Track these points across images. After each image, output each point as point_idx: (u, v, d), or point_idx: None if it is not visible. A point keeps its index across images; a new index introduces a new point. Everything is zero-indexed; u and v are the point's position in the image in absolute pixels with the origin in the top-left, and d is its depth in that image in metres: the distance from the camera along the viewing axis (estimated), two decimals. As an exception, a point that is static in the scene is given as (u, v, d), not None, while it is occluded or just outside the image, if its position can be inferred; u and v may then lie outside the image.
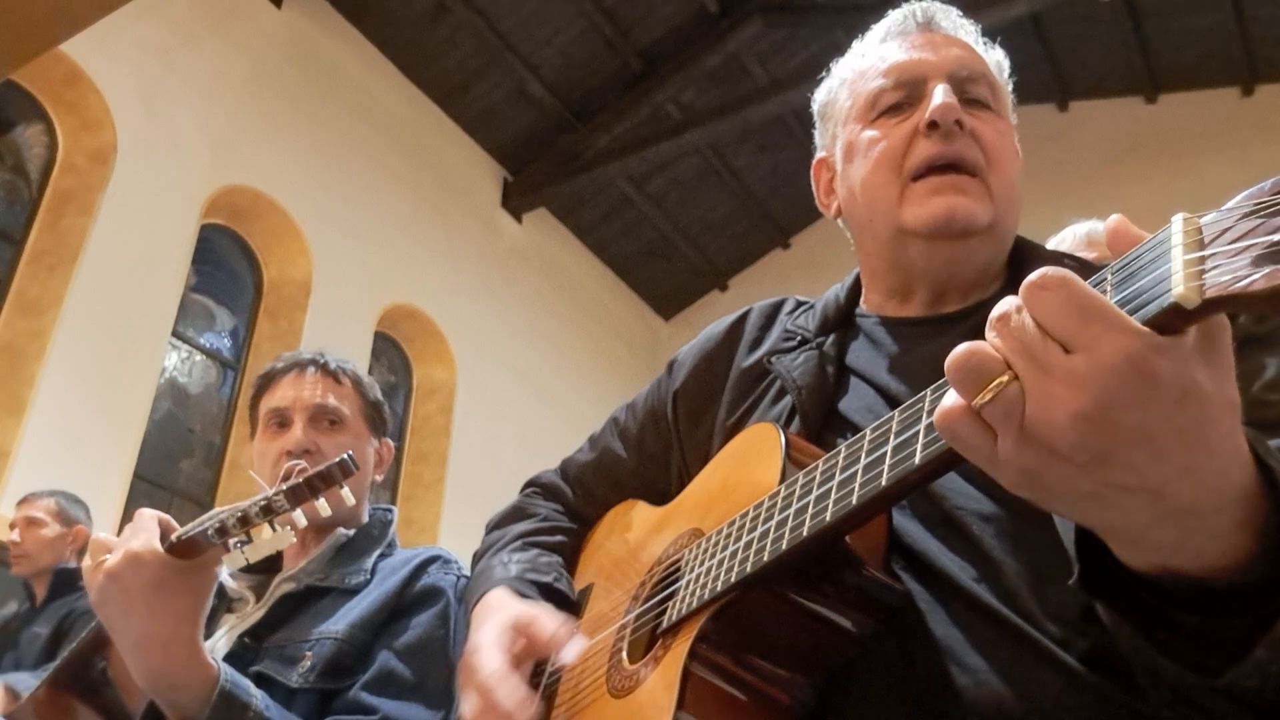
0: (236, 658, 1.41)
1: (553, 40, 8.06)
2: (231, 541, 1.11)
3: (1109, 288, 0.53)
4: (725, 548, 0.81)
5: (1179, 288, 0.47)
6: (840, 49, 1.13)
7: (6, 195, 5.90)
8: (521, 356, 8.68)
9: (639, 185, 9.27)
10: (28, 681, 2.31)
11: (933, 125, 0.95)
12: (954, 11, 1.07)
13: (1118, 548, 0.58)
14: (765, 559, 0.74)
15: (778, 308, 1.12)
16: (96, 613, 1.22)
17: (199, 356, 6.76)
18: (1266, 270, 0.44)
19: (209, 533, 1.12)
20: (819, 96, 1.13)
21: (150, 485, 6.07)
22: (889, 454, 0.66)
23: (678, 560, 0.90)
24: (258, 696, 1.22)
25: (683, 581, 0.85)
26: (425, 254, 8.04)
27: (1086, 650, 0.72)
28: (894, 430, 0.67)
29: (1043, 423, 0.51)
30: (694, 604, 0.81)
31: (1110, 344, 0.49)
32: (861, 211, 1.01)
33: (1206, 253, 0.47)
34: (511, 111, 8.51)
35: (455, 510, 7.44)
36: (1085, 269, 0.92)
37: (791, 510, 0.75)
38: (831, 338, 1.00)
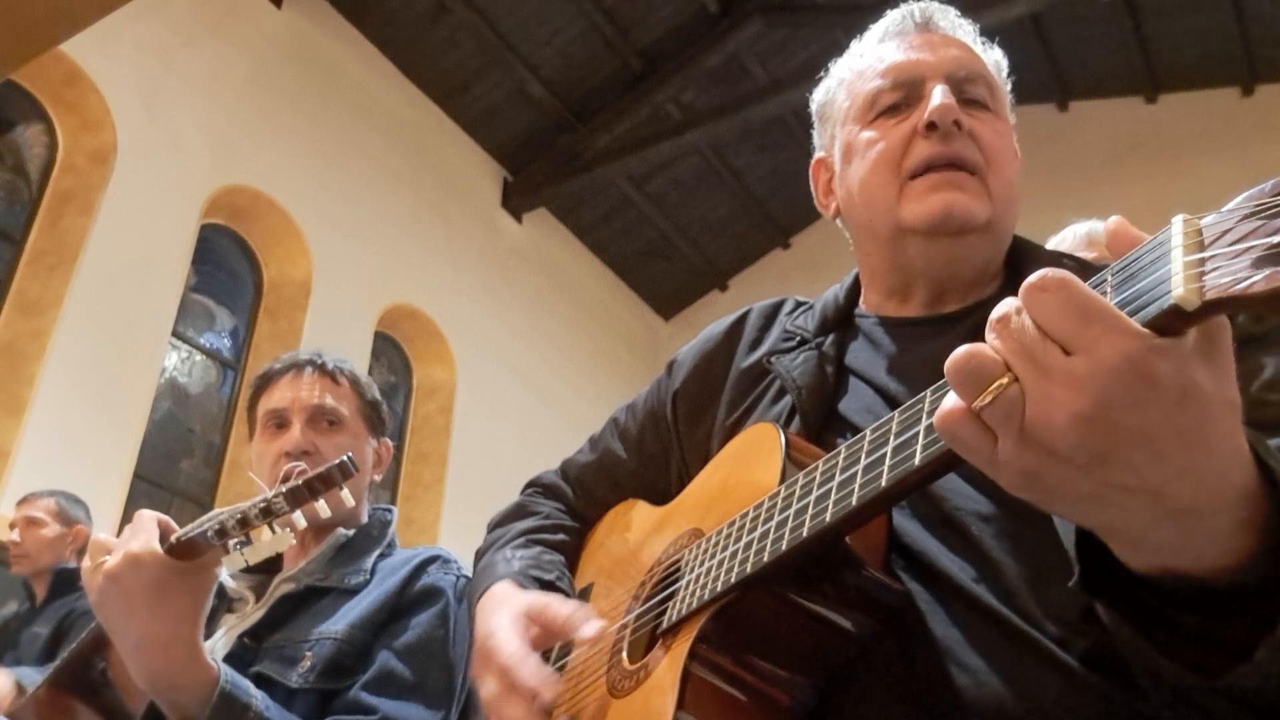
0: (236, 658, 1.41)
1: (553, 40, 8.06)
2: (231, 543, 1.11)
3: (1109, 289, 0.53)
4: (725, 548, 0.81)
5: (1179, 289, 0.47)
6: (840, 49, 1.13)
7: (6, 195, 5.90)
8: (521, 356, 8.68)
9: (639, 185, 9.27)
10: (34, 678, 2.31)
11: (931, 126, 0.95)
12: (952, 11, 1.07)
13: (1118, 549, 0.58)
14: (765, 560, 0.74)
15: (777, 308, 1.12)
16: (96, 614, 1.22)
17: (199, 356, 6.76)
18: (1266, 272, 0.44)
19: (208, 534, 1.12)
20: (817, 97, 1.13)
21: (150, 485, 6.07)
22: (889, 455, 0.66)
23: (678, 560, 0.90)
24: (258, 697, 1.22)
25: (683, 582, 0.85)
26: (425, 254, 8.04)
27: (1086, 650, 0.72)
28: (894, 431, 0.67)
29: (1042, 424, 0.51)
30: (694, 604, 0.81)
31: (1110, 345, 0.49)
32: (860, 211, 1.01)
33: (1206, 254, 0.47)
34: (511, 111, 8.52)
35: (455, 510, 7.44)
36: (1084, 269, 0.92)
37: (791, 511, 0.75)
38: (831, 338, 1.00)
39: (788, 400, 0.97)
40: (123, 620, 1.16)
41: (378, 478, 1.74)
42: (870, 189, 0.99)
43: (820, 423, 0.93)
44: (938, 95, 0.95)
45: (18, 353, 5.45)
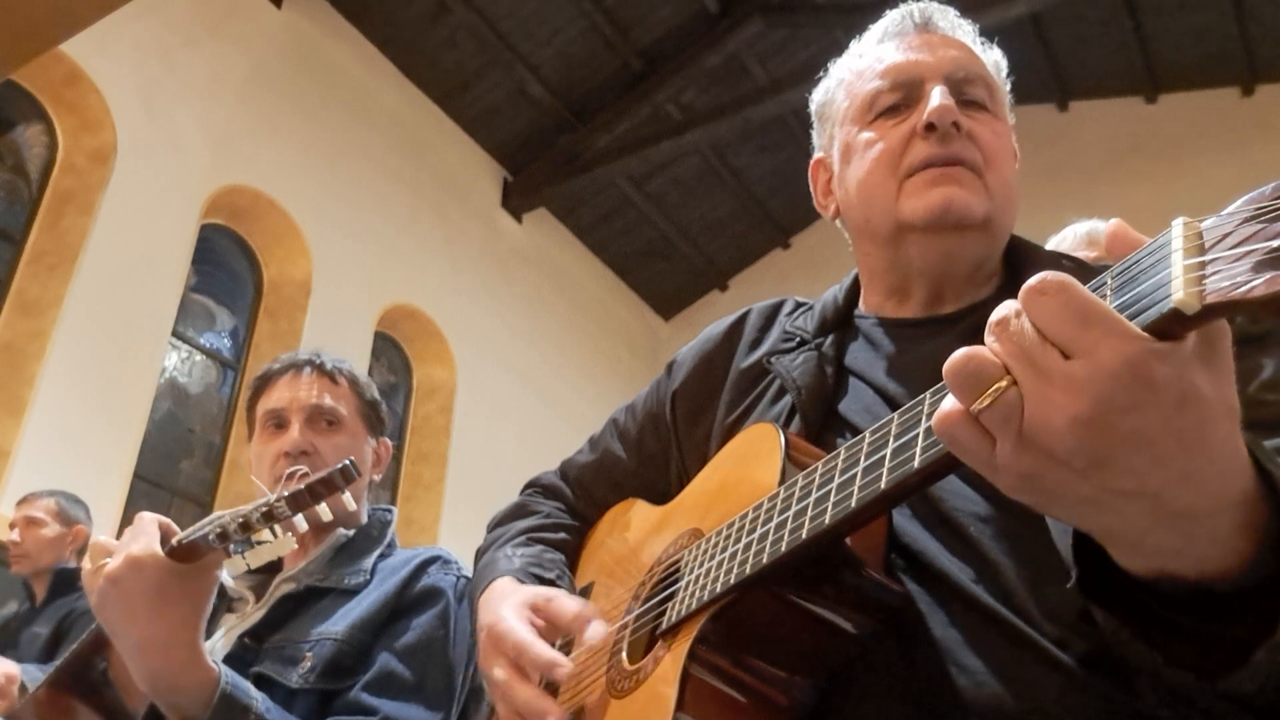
0: (236, 658, 1.41)
1: (553, 40, 8.06)
2: (232, 546, 1.11)
3: (1109, 292, 0.53)
4: (725, 549, 0.81)
5: (1179, 293, 0.47)
6: (840, 49, 1.13)
7: (6, 195, 5.90)
8: (521, 356, 8.68)
9: (639, 185, 9.27)
10: (36, 676, 2.31)
11: (930, 127, 0.95)
12: (951, 12, 1.07)
13: (1116, 552, 0.58)
14: (765, 561, 0.75)
15: (777, 309, 1.12)
16: (97, 616, 1.22)
17: (199, 356, 6.76)
18: (1267, 276, 0.44)
19: (210, 537, 1.12)
20: (816, 97, 1.13)
21: (150, 485, 6.07)
22: (888, 457, 0.66)
23: (677, 561, 0.90)
24: (258, 698, 1.22)
25: (682, 582, 0.85)
26: (425, 254, 8.04)
27: (1085, 651, 0.72)
28: (893, 433, 0.67)
29: (1041, 428, 0.51)
30: (693, 605, 0.81)
31: (1109, 349, 0.49)
32: (859, 211, 1.02)
33: (1207, 258, 0.47)
34: (511, 111, 8.51)
35: (455, 510, 7.44)
36: (1083, 270, 0.92)
37: (791, 512, 0.75)
38: (830, 338, 1.00)
39: (787, 400, 0.97)
40: (123, 623, 1.16)
41: (377, 478, 1.74)
42: (869, 189, 0.99)
43: (820, 423, 0.93)
44: (936, 96, 0.95)
45: (18, 353, 5.45)
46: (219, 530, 1.11)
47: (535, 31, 7.95)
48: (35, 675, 2.25)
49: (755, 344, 1.08)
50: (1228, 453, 0.53)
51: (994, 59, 1.06)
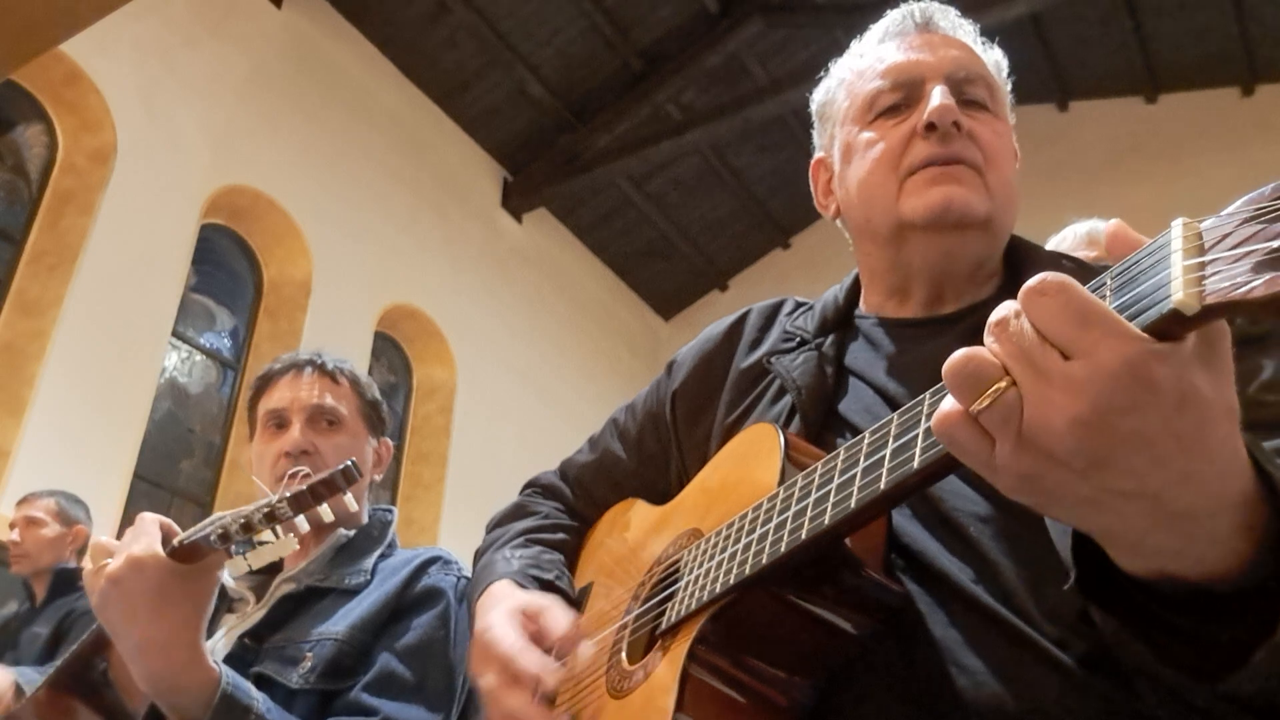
0: (237, 658, 1.41)
1: (553, 40, 8.06)
2: (234, 547, 1.11)
3: (1108, 293, 0.53)
4: (724, 549, 0.81)
5: (1179, 294, 0.47)
6: (840, 49, 1.13)
7: (6, 195, 5.90)
8: (521, 356, 8.68)
9: (639, 185, 9.27)
10: (34, 678, 2.31)
11: (930, 127, 0.95)
12: (952, 11, 1.07)
13: (1116, 553, 0.58)
14: (764, 561, 0.74)
15: (777, 308, 1.12)
16: (98, 617, 1.22)
17: (199, 356, 6.76)
18: (1266, 277, 0.44)
19: (211, 538, 1.12)
20: (817, 97, 1.13)
21: (150, 485, 6.07)
22: (887, 457, 0.66)
23: (677, 561, 0.90)
24: (259, 699, 1.22)
25: (682, 583, 0.85)
26: (425, 254, 8.04)
27: (1085, 651, 0.72)
28: (892, 434, 0.67)
29: (1041, 428, 0.51)
30: (693, 605, 0.81)
31: (1109, 350, 0.49)
32: (859, 211, 1.02)
33: (1206, 258, 0.47)
34: (511, 111, 8.51)
35: (455, 510, 7.44)
36: (1083, 271, 0.92)
37: (790, 513, 0.75)
38: (830, 338, 1.00)
39: (787, 400, 0.97)
40: (124, 623, 1.16)
41: (378, 477, 1.74)
42: (869, 188, 0.99)
43: (820, 423, 0.93)
44: (937, 96, 0.95)
45: (18, 353, 5.45)
46: (220, 531, 1.11)
47: (535, 31, 7.95)
48: (32, 677, 2.25)
49: (755, 344, 1.08)
50: (1227, 453, 0.53)
51: (994, 59, 1.06)
